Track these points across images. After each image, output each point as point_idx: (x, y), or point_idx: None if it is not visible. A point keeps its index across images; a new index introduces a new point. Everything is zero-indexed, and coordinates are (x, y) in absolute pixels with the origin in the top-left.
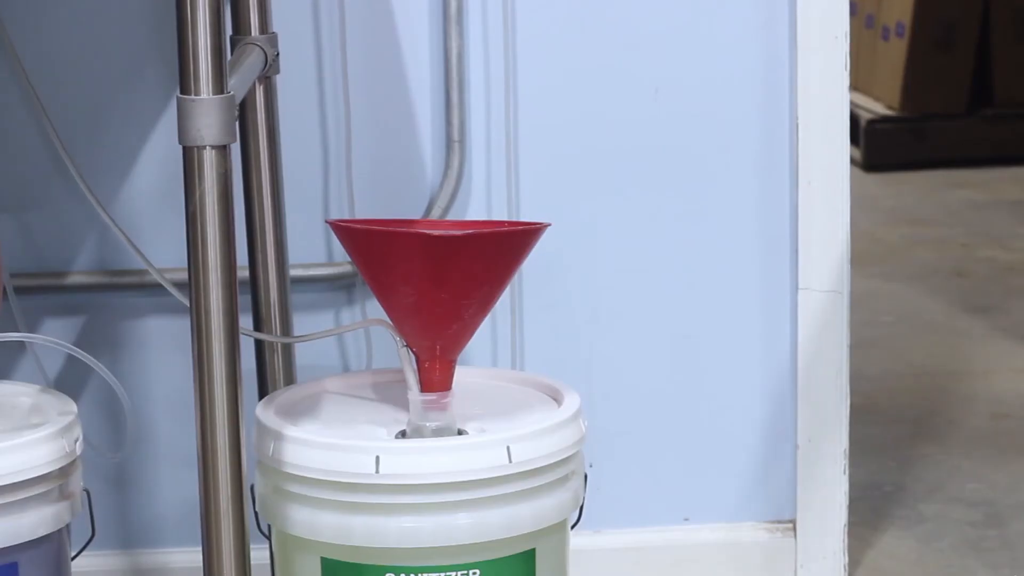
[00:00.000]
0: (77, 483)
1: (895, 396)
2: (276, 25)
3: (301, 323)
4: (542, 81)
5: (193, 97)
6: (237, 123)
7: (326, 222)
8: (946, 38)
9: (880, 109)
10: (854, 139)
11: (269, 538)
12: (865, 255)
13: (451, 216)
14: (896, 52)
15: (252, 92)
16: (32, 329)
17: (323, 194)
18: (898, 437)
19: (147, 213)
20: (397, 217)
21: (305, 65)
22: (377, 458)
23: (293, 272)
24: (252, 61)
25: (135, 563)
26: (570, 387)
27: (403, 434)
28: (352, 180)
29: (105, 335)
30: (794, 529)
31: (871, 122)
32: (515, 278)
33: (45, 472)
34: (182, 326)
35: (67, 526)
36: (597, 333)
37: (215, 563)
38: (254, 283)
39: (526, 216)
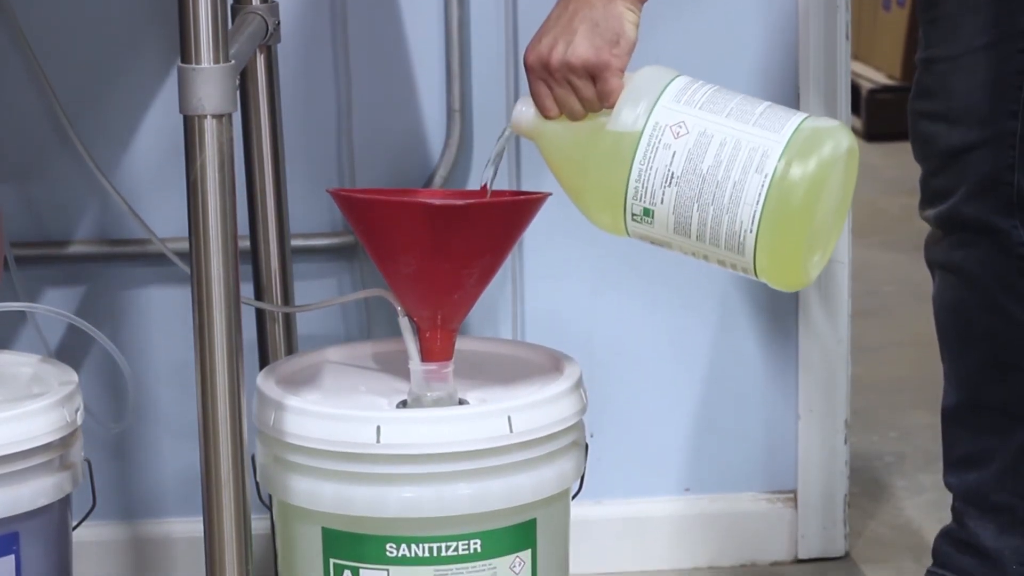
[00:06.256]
0: (78, 453)
1: (896, 366)
2: None
3: (302, 293)
4: None
5: (194, 66)
6: (238, 92)
7: (327, 191)
8: None
9: (881, 79)
10: (855, 109)
11: (270, 508)
12: (866, 225)
13: (452, 186)
14: (897, 21)
15: (253, 61)
16: (33, 299)
17: (324, 163)
18: (899, 407)
19: (148, 182)
20: (398, 186)
21: (306, 34)
22: (378, 428)
23: (294, 242)
24: (253, 30)
25: (136, 533)
26: (571, 357)
27: (404, 404)
28: (353, 149)
29: (106, 304)
30: (795, 499)
31: (872, 92)
32: (516, 247)
33: (46, 442)
34: (183, 295)
35: (68, 496)
36: (598, 302)
37: (216, 533)
38: (255, 252)
39: (527, 185)
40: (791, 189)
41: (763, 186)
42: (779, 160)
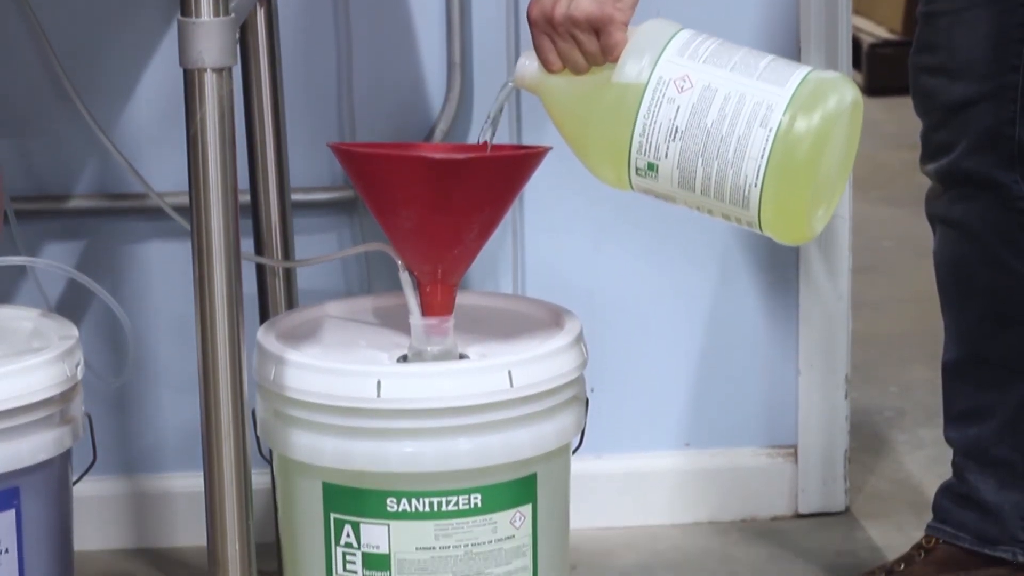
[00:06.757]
0: (78, 408)
1: (896, 321)
2: None
3: (302, 247)
4: None
5: (194, 19)
6: (238, 45)
7: (327, 145)
8: None
9: (882, 33)
10: (856, 63)
11: (270, 463)
12: (867, 180)
13: (453, 139)
14: None
15: (253, 14)
16: (33, 253)
17: (324, 117)
18: (899, 362)
19: (148, 136)
20: (398, 140)
21: None
22: (378, 382)
23: (294, 196)
24: None
25: (136, 487)
26: (571, 311)
27: (404, 358)
28: (353, 103)
29: (106, 259)
30: (795, 454)
31: (873, 46)
32: (516, 201)
33: (46, 397)
34: (183, 250)
35: (68, 451)
36: (599, 257)
37: (216, 488)
38: (255, 207)
39: (528, 139)
40: (796, 143)
41: (768, 140)
42: (784, 114)
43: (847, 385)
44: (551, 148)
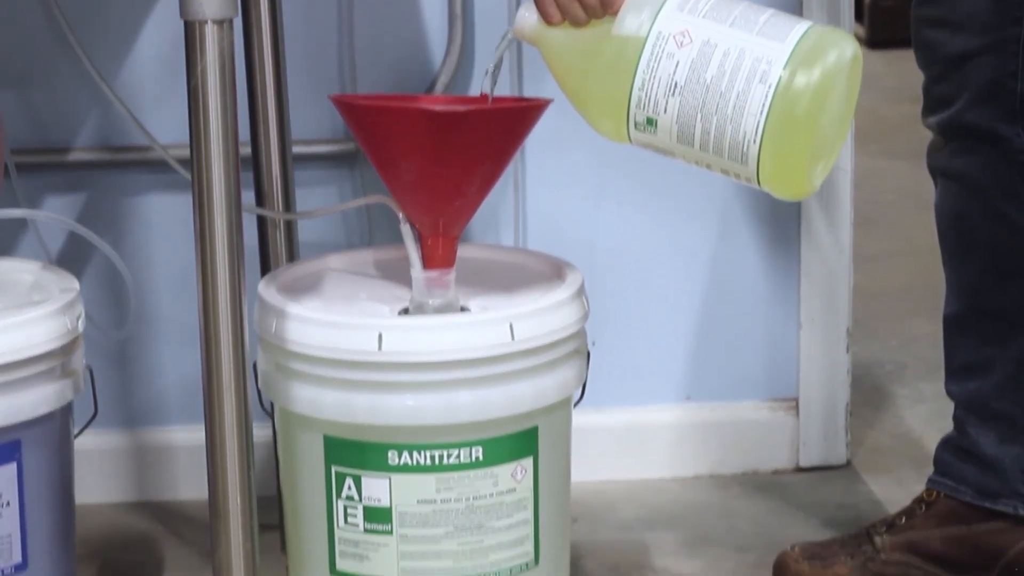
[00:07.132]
0: (79, 361)
1: (897, 274)
2: None
3: (303, 199)
4: None
5: None
6: None
7: (328, 98)
8: None
9: None
10: (858, 16)
11: (272, 416)
12: (868, 133)
13: (454, 92)
14: None
15: None
16: (34, 206)
17: (325, 69)
18: (900, 315)
19: (150, 88)
20: (400, 92)
21: None
22: (379, 335)
23: (295, 148)
24: None
25: (137, 441)
26: (573, 264)
27: (406, 311)
28: (354, 55)
29: (107, 211)
30: (796, 408)
31: None
32: (518, 154)
33: (47, 350)
34: (184, 202)
35: (69, 404)
36: (600, 210)
37: (217, 441)
38: (256, 159)
39: (528, 91)
40: (795, 99)
41: (767, 96)
42: (783, 69)
43: (848, 339)
44: (552, 100)
